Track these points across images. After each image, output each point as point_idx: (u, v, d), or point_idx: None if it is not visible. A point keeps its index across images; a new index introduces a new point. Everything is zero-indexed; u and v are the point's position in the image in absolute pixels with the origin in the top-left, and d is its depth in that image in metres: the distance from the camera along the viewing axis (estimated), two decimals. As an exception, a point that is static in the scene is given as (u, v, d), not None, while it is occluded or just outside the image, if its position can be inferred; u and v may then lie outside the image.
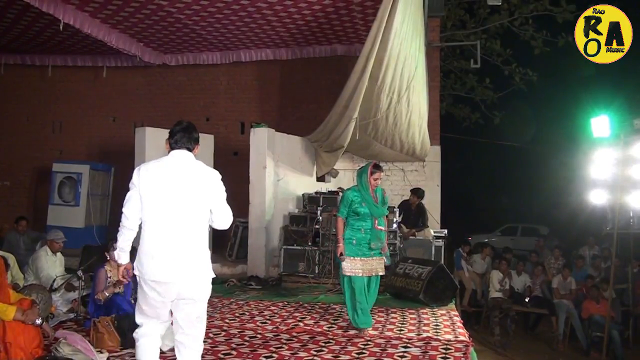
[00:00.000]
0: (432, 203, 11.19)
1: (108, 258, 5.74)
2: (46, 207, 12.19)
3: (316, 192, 9.97)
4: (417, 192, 9.73)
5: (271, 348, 5.17)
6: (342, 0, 9.53)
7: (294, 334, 5.74)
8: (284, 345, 5.27)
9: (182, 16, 10.23)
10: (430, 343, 5.41)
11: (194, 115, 13.02)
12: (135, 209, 3.61)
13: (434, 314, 6.85)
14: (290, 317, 6.55)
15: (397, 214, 9.04)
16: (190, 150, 3.68)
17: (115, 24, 10.54)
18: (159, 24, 10.69)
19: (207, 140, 11.25)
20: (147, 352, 3.62)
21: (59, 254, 7.12)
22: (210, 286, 3.69)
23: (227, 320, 6.29)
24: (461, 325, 6.33)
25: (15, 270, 6.63)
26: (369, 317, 5.88)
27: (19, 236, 9.23)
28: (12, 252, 6.82)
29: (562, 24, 15.16)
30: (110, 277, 5.67)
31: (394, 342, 5.44)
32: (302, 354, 4.99)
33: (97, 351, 4.55)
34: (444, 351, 5.12)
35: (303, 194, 10.10)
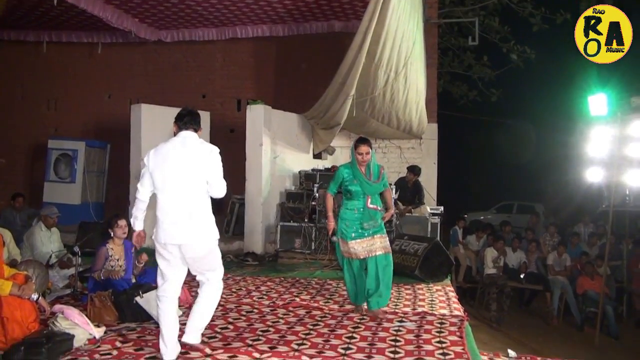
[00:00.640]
0: (429, 180, 11.22)
1: (112, 235, 5.73)
2: (42, 184, 12.19)
3: (313, 169, 9.97)
4: (414, 170, 9.73)
5: (268, 322, 5.20)
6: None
7: (291, 308, 5.78)
8: (280, 320, 5.31)
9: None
10: (426, 317, 5.45)
11: (189, 92, 12.97)
12: (146, 184, 4.16)
13: (429, 289, 6.90)
14: (287, 292, 6.59)
15: (394, 191, 9.05)
16: (195, 131, 4.18)
17: (111, -1, 10.44)
18: (154, -1, 10.59)
19: (203, 118, 11.01)
20: (167, 312, 4.10)
21: (54, 229, 7.12)
22: (214, 243, 4.18)
23: (224, 296, 6.29)
24: (456, 300, 6.37)
25: (12, 246, 6.64)
26: (365, 297, 5.57)
27: (16, 213, 9.23)
28: (8, 229, 6.82)
29: (561, 1, 15.03)
30: (111, 256, 5.68)
31: (390, 316, 5.48)
32: (298, 328, 5.02)
33: (95, 325, 4.56)
34: (439, 325, 5.16)
35: (299, 171, 10.10)
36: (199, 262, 4.14)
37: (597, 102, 9.13)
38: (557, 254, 10.26)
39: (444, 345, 4.55)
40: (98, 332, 4.50)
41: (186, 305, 5.72)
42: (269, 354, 4.20)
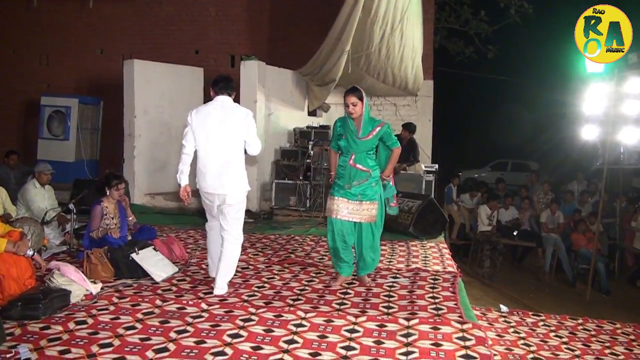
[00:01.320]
0: (424, 138, 11.20)
1: (107, 193, 5.72)
2: (36, 142, 12.10)
3: (307, 127, 9.92)
4: (409, 127, 9.69)
5: (263, 279, 5.26)
6: None
7: (286, 265, 5.83)
8: (275, 276, 5.36)
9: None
10: (419, 274, 5.51)
11: (182, 47, 12.79)
12: (190, 140, 4.66)
13: (423, 246, 6.96)
14: (282, 249, 6.64)
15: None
16: (230, 95, 4.72)
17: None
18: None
19: (196, 73, 11.09)
20: (212, 240, 5.05)
21: (48, 186, 7.09)
22: (243, 196, 4.76)
23: (219, 253, 6.37)
24: (450, 257, 6.44)
25: (8, 203, 6.63)
26: (347, 266, 5.16)
27: (10, 170, 9.19)
28: (3, 187, 6.80)
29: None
30: (106, 214, 5.68)
31: (384, 272, 5.54)
32: (293, 284, 5.08)
33: (91, 281, 4.60)
34: (432, 281, 5.22)
35: (294, 129, 10.05)
36: (228, 209, 4.69)
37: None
38: (550, 212, 10.33)
39: (437, 300, 4.61)
40: (94, 288, 4.54)
41: (182, 262, 5.77)
42: (265, 309, 4.25)
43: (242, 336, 3.70)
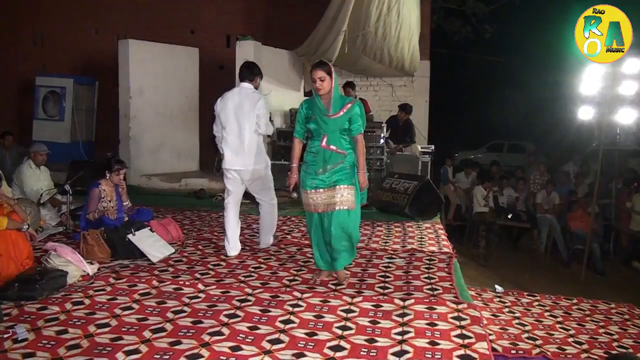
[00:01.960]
0: (420, 119, 11.18)
1: (108, 176, 5.71)
2: (31, 122, 12.04)
3: (304, 107, 9.87)
4: (405, 108, 9.66)
5: (260, 260, 5.27)
6: None
7: (282, 246, 5.84)
8: (272, 257, 5.37)
9: None
10: (415, 254, 5.53)
11: (178, 27, 12.69)
12: (217, 124, 5.30)
13: (419, 227, 6.98)
14: (278, 230, 6.63)
15: (385, 130, 9.02)
16: (250, 81, 5.31)
17: None
18: None
19: (191, 54, 11.02)
20: (230, 218, 5.37)
21: (43, 168, 7.06)
22: (263, 170, 5.37)
23: (215, 233, 6.38)
24: (445, 238, 6.46)
25: (4, 184, 6.60)
26: (325, 259, 4.68)
27: (5, 151, 9.17)
28: (-1, 168, 6.78)
29: None
30: (103, 197, 5.67)
31: (379, 253, 5.56)
32: (289, 265, 5.10)
33: (88, 262, 4.61)
34: (427, 262, 5.24)
35: (290, 109, 10.02)
36: (254, 184, 5.38)
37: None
38: (545, 192, 10.36)
39: (432, 281, 4.63)
40: (91, 269, 4.55)
41: (178, 243, 5.78)
42: (261, 290, 4.27)
43: (239, 316, 3.72)
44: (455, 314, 3.81)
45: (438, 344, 3.34)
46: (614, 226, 10.32)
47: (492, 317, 5.78)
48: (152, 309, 3.83)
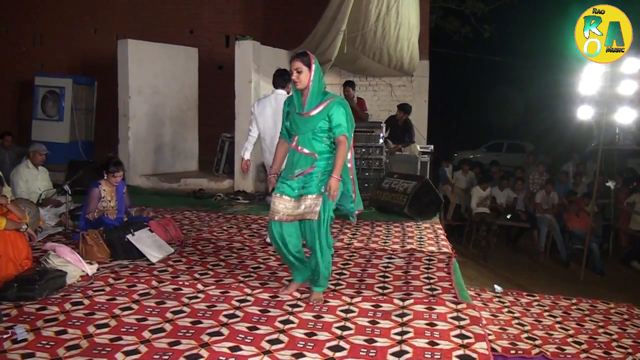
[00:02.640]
0: (419, 119, 11.18)
1: (105, 177, 5.70)
2: (30, 122, 12.03)
3: (303, 107, 9.86)
4: (404, 108, 9.66)
5: (259, 260, 5.27)
6: None
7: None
8: (271, 257, 5.37)
9: None
10: (414, 254, 5.53)
11: (177, 27, 12.69)
12: (254, 126, 5.74)
13: (418, 227, 6.98)
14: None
15: (384, 130, 9.02)
16: (283, 87, 5.77)
17: None
18: None
19: (191, 53, 11.02)
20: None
21: (42, 168, 7.06)
22: None
23: (215, 233, 6.38)
24: (445, 237, 6.46)
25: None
26: (298, 272, 4.32)
27: (5, 151, 9.16)
28: (-2, 168, 6.78)
29: None
30: (103, 197, 5.67)
31: (379, 253, 5.56)
32: (288, 265, 5.09)
33: (87, 262, 4.60)
34: (427, 262, 5.25)
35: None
36: None
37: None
38: (545, 192, 10.36)
39: (431, 281, 4.63)
40: (90, 269, 4.55)
41: (177, 243, 5.78)
42: (260, 290, 4.27)
43: (238, 316, 3.72)
44: (455, 314, 3.81)
45: (437, 344, 3.34)
46: (613, 226, 10.33)
47: (491, 317, 5.78)
48: (151, 309, 3.82)
